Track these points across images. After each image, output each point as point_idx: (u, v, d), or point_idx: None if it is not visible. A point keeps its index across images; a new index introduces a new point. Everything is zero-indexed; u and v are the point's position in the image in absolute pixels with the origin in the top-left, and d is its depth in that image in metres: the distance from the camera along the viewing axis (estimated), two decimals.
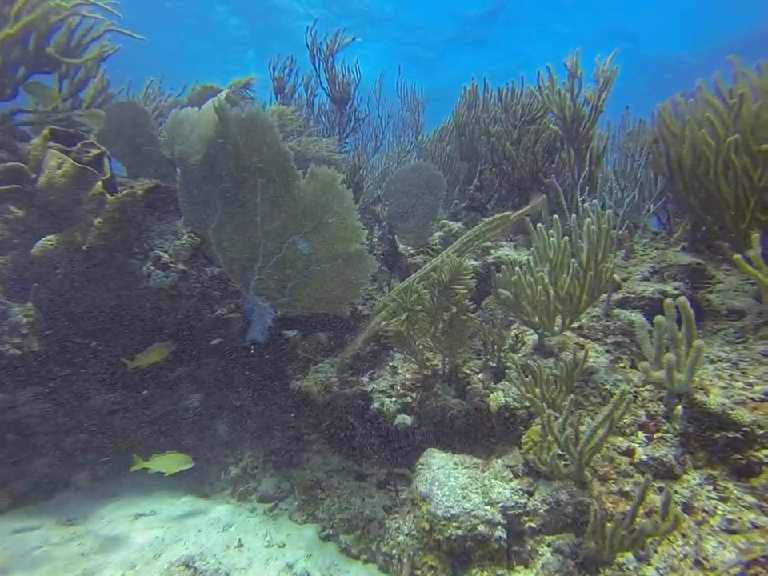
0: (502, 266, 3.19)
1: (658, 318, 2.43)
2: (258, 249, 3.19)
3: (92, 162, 3.74)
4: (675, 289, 3.18)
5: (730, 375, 2.53)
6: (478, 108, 5.07)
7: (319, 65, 6.10)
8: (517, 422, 3.08)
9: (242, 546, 3.27)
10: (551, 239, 2.84)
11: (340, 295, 3.31)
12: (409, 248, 4.65)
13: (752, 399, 2.27)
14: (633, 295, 3.39)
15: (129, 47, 4.56)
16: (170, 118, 3.50)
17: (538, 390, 2.70)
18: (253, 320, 3.98)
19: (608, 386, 2.86)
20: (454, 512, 2.59)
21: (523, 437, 2.95)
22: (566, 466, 2.48)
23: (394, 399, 3.81)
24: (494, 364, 3.60)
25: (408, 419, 3.74)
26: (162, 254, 3.86)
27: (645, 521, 2.00)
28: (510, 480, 2.78)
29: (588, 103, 4.07)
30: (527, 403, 3.03)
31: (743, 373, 2.52)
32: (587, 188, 3.84)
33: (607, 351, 3.16)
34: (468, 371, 3.63)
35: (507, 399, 3.10)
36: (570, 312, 2.99)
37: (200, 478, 4.29)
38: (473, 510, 2.58)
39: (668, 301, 2.43)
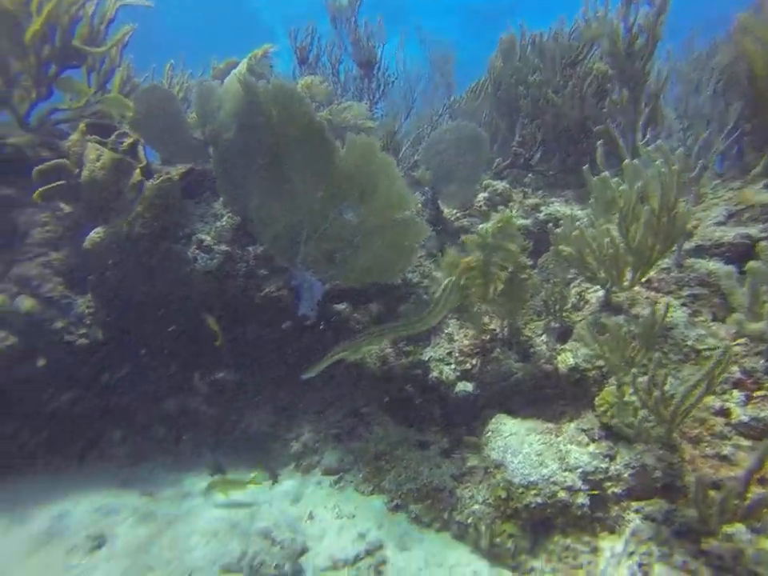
0: (561, 221, 2.98)
1: (753, 264, 2.19)
2: (303, 222, 3.10)
3: (127, 151, 3.71)
4: (763, 231, 2.88)
5: None
6: (515, 59, 4.70)
7: (341, 27, 5.81)
8: (588, 384, 2.93)
9: (313, 517, 3.32)
10: (621, 187, 2.61)
11: (391, 264, 3.19)
12: (454, 211, 4.46)
13: None
14: (708, 242, 3.12)
15: (152, 36, 4.45)
16: (195, 96, 3.39)
17: (613, 348, 2.54)
18: (302, 295, 3.92)
19: (690, 342, 2.66)
20: (531, 479, 2.50)
21: (597, 399, 2.80)
22: (652, 428, 2.33)
23: (452, 367, 3.72)
24: (557, 324, 3.44)
25: (469, 386, 3.65)
26: (204, 236, 3.83)
27: (764, 490, 1.85)
28: (587, 444, 2.66)
29: (644, 32, 3.68)
30: (600, 363, 2.87)
31: None
32: (647, 130, 3.52)
33: (683, 305, 2.94)
34: (530, 333, 3.48)
35: (577, 360, 2.95)
36: (640, 264, 2.77)
37: (265, 452, 4.37)
38: (551, 476, 2.49)
39: (763, 244, 2.19)
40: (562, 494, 2.42)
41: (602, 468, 2.45)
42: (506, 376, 3.49)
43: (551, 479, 2.47)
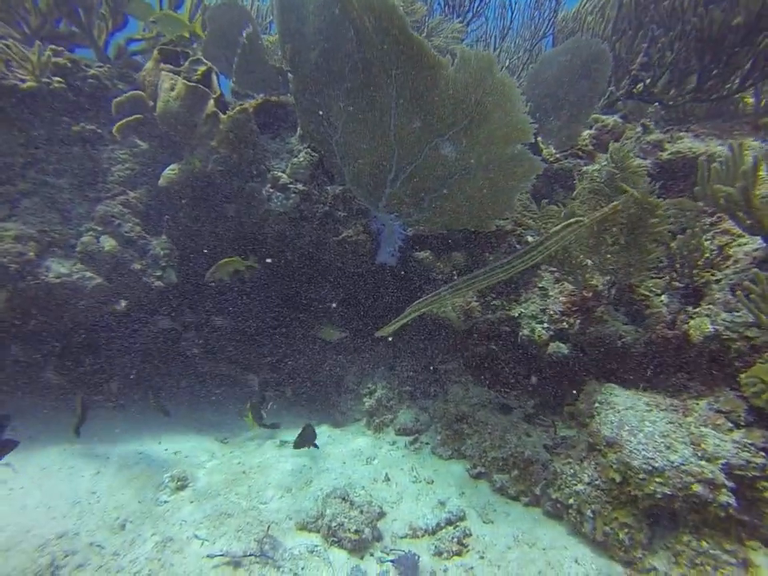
0: (719, 157, 2.36)
1: None
2: (392, 157, 2.70)
3: (201, 80, 3.44)
4: None
5: None
6: None
7: None
8: (730, 357, 2.40)
9: (389, 480, 3.12)
10: None
11: (490, 207, 2.75)
12: (554, 151, 3.86)
13: None
14: None
15: None
16: (276, 9, 2.98)
17: None
18: (382, 241, 3.60)
19: None
20: (656, 464, 2.09)
21: (743, 376, 2.29)
22: None
23: (546, 325, 3.29)
24: (682, 283, 2.88)
25: (564, 347, 3.22)
26: (280, 174, 3.55)
27: None
28: (730, 430, 2.19)
29: None
30: (751, 333, 2.33)
31: None
32: None
33: None
34: (646, 292, 2.95)
35: (717, 327, 2.42)
36: None
37: (330, 404, 4.25)
38: (683, 464, 2.06)
39: None
40: (697, 488, 2.00)
41: (756, 463, 1.98)
42: (611, 339, 3.01)
43: (683, 468, 2.05)
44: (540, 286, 3.46)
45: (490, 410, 3.44)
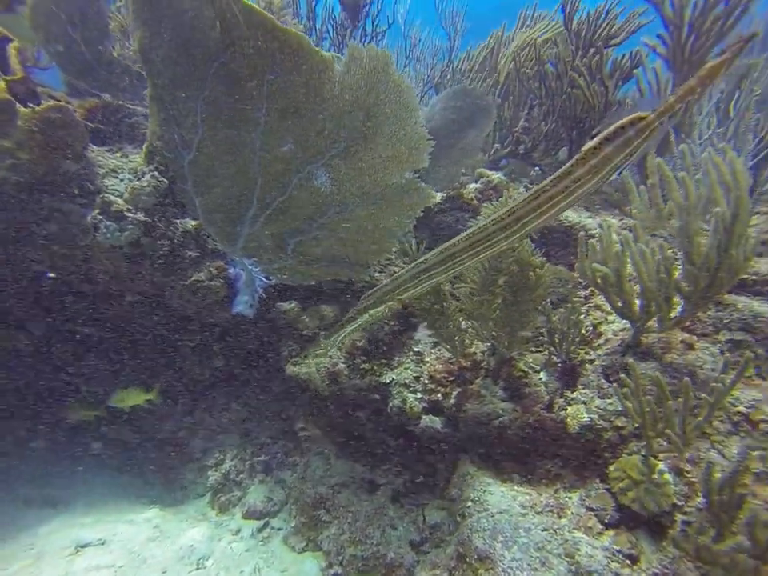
0: (597, 230, 2.26)
1: None
2: (253, 189, 2.18)
3: None
4: None
5: None
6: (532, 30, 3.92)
7: None
8: (601, 447, 2.26)
9: None
10: (688, 181, 1.92)
11: (366, 252, 2.35)
12: (439, 199, 3.67)
13: None
14: (755, 277, 2.53)
15: None
16: None
17: (661, 415, 1.86)
18: (239, 288, 3.04)
19: (743, 408, 2.05)
20: None
21: (611, 468, 2.15)
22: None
23: (419, 396, 2.97)
24: (559, 359, 2.76)
25: (437, 422, 2.93)
26: (114, 198, 2.84)
27: None
28: (600, 533, 1.99)
29: None
30: (619, 423, 2.21)
31: None
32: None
33: (721, 352, 2.33)
34: (525, 368, 2.77)
35: (592, 416, 2.27)
36: (699, 296, 2.13)
37: (170, 475, 3.49)
38: None
39: None
40: None
41: (624, 575, 1.79)
42: (488, 418, 2.76)
43: None
44: (416, 349, 3.15)
45: (353, 491, 2.99)
